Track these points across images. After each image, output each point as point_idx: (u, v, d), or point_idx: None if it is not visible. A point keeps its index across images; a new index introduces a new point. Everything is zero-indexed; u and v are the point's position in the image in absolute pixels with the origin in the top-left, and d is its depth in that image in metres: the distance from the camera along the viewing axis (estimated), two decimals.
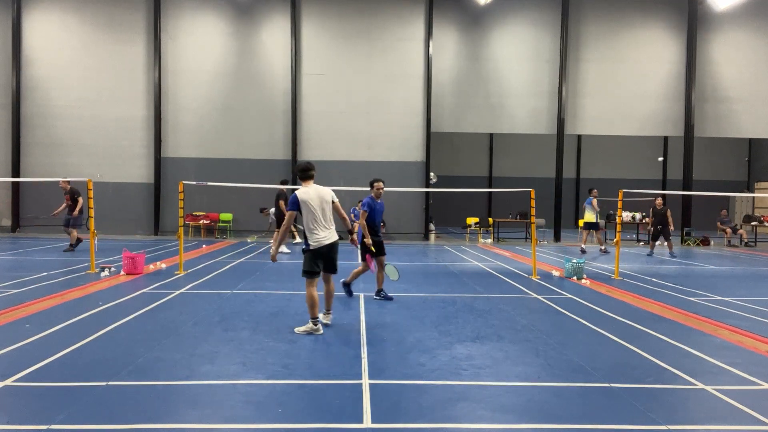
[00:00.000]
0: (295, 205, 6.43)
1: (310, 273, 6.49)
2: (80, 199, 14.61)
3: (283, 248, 14.97)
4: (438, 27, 21.06)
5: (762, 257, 16.75)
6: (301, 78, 20.78)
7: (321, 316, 6.73)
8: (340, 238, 6.79)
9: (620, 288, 10.16)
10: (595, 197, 16.53)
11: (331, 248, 6.55)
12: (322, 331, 6.41)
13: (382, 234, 8.99)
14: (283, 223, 6.63)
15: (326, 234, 6.47)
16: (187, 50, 20.68)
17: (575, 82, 21.54)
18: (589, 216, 16.68)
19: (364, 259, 8.32)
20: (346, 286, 8.85)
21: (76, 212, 14.52)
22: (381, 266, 8.64)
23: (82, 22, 20.54)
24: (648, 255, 16.24)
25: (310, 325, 6.41)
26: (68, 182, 14.73)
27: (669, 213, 16.14)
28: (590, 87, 21.64)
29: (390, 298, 8.55)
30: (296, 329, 6.50)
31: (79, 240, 14.74)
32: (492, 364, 5.38)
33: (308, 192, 6.46)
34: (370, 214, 8.54)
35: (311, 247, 6.47)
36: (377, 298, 8.59)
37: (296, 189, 6.62)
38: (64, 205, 14.76)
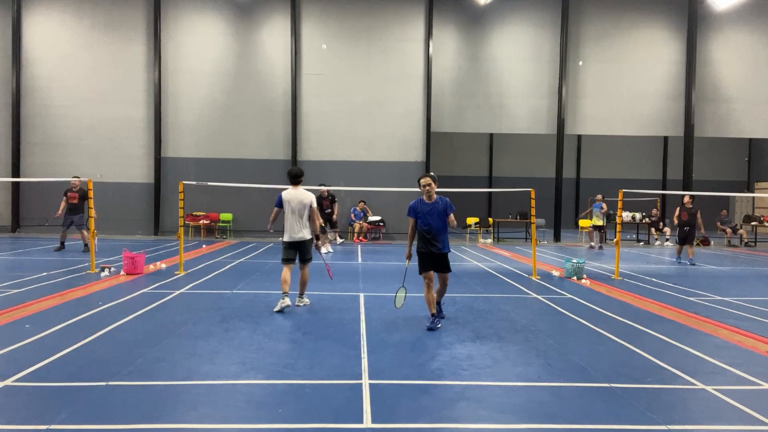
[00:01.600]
0: (279, 202, 7.83)
1: (284, 260, 7.84)
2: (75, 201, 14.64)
3: (328, 247, 15.70)
4: (438, 27, 21.06)
5: (762, 257, 16.75)
6: (301, 78, 20.78)
7: (297, 299, 8.03)
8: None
9: (620, 288, 10.16)
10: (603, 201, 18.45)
11: (300, 244, 7.79)
12: (289, 303, 7.63)
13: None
14: (271, 217, 7.94)
15: (297, 233, 7.75)
16: (187, 50, 20.67)
17: (575, 82, 21.53)
18: (598, 220, 18.66)
19: (420, 273, 7.05)
20: (437, 305, 7.17)
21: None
22: (442, 283, 7.11)
23: (82, 22, 20.53)
24: (677, 261, 14.66)
25: (280, 300, 7.67)
26: (80, 181, 14.71)
27: (699, 214, 14.68)
28: (590, 87, 21.64)
29: (433, 329, 6.64)
30: (274, 309, 7.59)
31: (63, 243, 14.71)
32: (492, 364, 5.38)
33: (291, 194, 7.83)
34: (417, 220, 7.05)
35: (284, 239, 7.83)
36: (430, 327, 6.66)
37: (320, 189, 7.96)
38: (63, 203, 14.70)
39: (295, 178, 7.94)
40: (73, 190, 14.69)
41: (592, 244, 18.79)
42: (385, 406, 4.27)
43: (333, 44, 20.93)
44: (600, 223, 18.61)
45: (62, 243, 14.66)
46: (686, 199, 14.67)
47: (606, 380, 4.93)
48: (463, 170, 30.43)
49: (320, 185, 16.20)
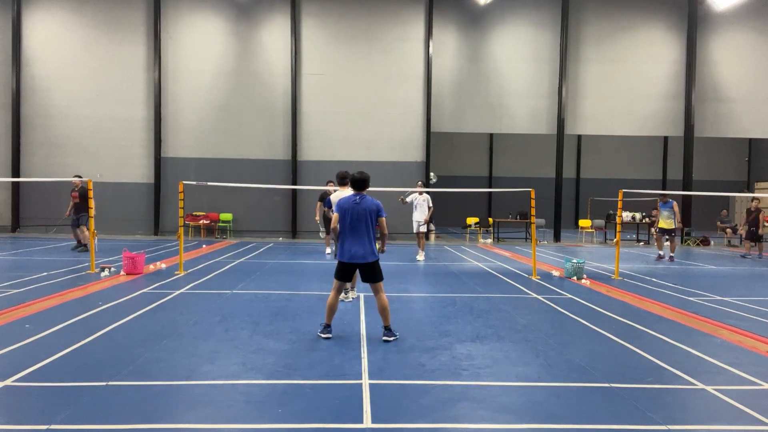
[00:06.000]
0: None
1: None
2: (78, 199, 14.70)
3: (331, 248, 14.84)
4: (438, 27, 21.06)
5: (762, 257, 16.73)
6: (301, 78, 20.78)
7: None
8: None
9: (620, 288, 10.16)
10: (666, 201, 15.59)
11: None
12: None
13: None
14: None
15: None
16: (187, 50, 20.68)
17: (575, 82, 21.54)
18: (667, 222, 15.34)
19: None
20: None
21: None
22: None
23: (82, 22, 20.54)
24: (743, 257, 16.31)
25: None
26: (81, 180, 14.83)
27: (762, 215, 16.31)
28: (590, 87, 21.65)
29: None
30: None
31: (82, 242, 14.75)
32: (492, 364, 5.38)
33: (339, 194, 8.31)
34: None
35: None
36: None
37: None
38: (71, 203, 14.80)
39: (343, 180, 8.41)
40: (75, 189, 14.78)
41: (662, 253, 15.50)
42: (385, 406, 4.27)
43: (333, 44, 20.93)
44: (671, 225, 15.26)
45: (78, 242, 14.74)
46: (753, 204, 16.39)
47: (606, 380, 4.93)
48: (463, 170, 30.46)
49: (328, 183, 15.96)
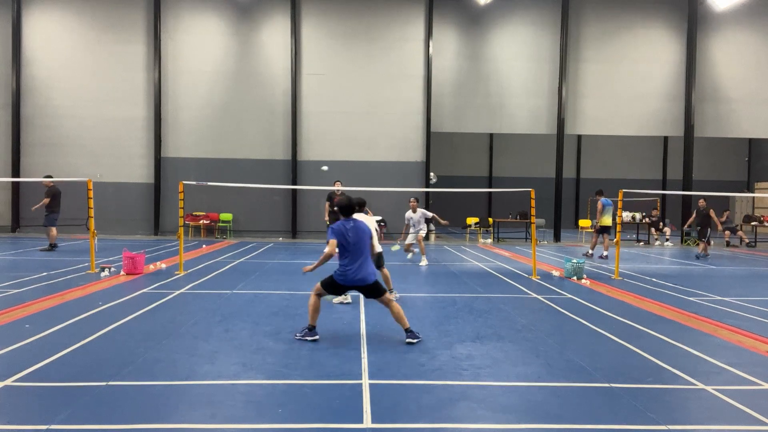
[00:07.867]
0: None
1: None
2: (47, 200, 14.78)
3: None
4: (438, 27, 21.06)
5: (762, 257, 16.74)
6: (301, 78, 20.78)
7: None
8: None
9: (620, 288, 10.16)
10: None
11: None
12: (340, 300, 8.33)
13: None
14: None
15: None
16: (187, 50, 20.67)
17: (575, 82, 21.53)
18: (608, 219, 15.73)
19: None
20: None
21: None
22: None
23: (82, 22, 20.54)
24: (698, 257, 15.60)
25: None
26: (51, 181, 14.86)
27: (712, 213, 16.15)
28: (590, 87, 21.64)
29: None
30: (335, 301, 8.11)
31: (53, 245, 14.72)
32: (492, 364, 5.38)
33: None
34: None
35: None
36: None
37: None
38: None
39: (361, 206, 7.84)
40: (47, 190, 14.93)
41: (591, 251, 15.60)
42: (385, 406, 4.27)
43: (333, 44, 20.93)
44: (608, 223, 15.66)
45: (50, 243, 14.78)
46: (701, 202, 16.17)
47: (606, 380, 4.93)
48: (463, 170, 30.45)
49: (335, 183, 15.86)
